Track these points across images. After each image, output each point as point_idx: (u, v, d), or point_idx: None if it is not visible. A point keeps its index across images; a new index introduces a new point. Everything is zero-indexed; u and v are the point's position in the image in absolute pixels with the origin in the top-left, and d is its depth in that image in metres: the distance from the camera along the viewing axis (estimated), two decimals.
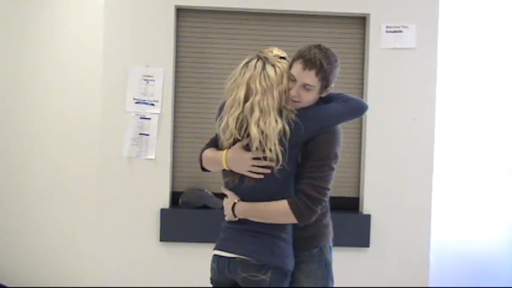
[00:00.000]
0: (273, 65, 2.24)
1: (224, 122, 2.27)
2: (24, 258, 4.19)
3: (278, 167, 2.20)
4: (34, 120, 4.15)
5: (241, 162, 2.27)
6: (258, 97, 2.21)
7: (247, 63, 2.28)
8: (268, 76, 2.22)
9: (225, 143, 2.30)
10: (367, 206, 3.92)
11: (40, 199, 4.15)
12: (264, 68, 2.24)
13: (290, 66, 2.29)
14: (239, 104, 2.23)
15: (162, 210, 3.84)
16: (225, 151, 2.32)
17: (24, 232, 4.18)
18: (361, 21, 4.00)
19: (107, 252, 3.87)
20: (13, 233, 4.20)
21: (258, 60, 2.27)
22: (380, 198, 3.92)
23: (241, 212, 2.31)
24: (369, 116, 3.92)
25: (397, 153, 3.91)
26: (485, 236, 4.28)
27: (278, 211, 2.24)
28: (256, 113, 2.20)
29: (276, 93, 2.21)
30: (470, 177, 4.26)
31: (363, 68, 4.01)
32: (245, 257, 2.26)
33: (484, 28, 4.21)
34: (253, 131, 2.19)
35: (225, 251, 2.32)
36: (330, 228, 2.47)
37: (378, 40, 3.90)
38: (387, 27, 3.89)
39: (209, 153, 2.42)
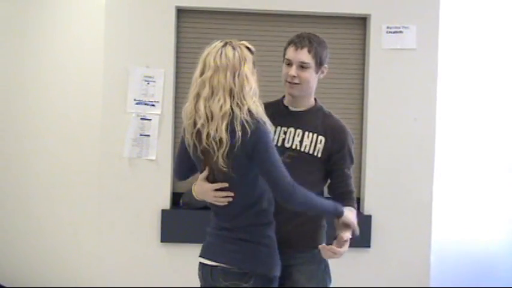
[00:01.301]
0: (233, 48, 2.17)
1: (186, 104, 2.21)
2: (25, 259, 4.18)
3: (221, 156, 2.08)
4: (35, 121, 4.15)
5: (206, 193, 2.25)
6: (209, 73, 2.13)
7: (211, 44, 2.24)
8: (225, 55, 2.14)
9: (185, 123, 2.19)
10: (368, 206, 3.92)
11: (41, 199, 4.15)
12: (223, 46, 2.18)
13: (284, 55, 2.39)
14: (195, 80, 2.18)
15: (163, 211, 3.84)
16: (193, 184, 2.32)
17: (25, 232, 4.18)
18: (361, 21, 4.00)
19: (107, 252, 3.87)
20: (14, 233, 4.20)
21: (221, 42, 2.22)
22: (381, 198, 3.92)
23: None
24: (370, 116, 3.93)
25: (398, 153, 3.91)
26: (486, 236, 4.28)
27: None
28: (206, 89, 2.11)
29: (229, 74, 2.10)
30: (471, 177, 4.26)
31: (363, 69, 4.01)
32: (226, 266, 2.20)
33: (484, 28, 4.21)
34: (200, 108, 2.11)
35: (208, 259, 2.26)
36: (325, 230, 2.49)
37: (379, 41, 3.90)
38: (388, 27, 3.90)
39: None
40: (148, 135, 3.85)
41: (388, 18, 3.90)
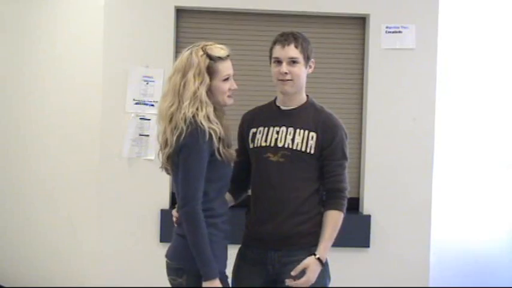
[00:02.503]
0: (191, 52, 2.22)
1: None
2: (24, 259, 4.18)
3: (165, 156, 2.21)
4: (34, 121, 4.15)
5: None
6: (170, 73, 2.25)
7: None
8: (181, 58, 2.23)
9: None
10: (367, 206, 3.93)
11: (40, 199, 4.15)
12: (187, 49, 2.25)
13: (270, 56, 2.44)
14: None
15: (162, 211, 3.84)
16: None
17: (24, 232, 4.18)
18: (361, 21, 4.00)
19: (106, 252, 3.87)
20: (13, 233, 4.20)
21: (194, 44, 2.29)
22: (380, 198, 3.92)
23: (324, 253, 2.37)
24: (369, 116, 3.93)
25: (397, 153, 3.91)
26: (486, 236, 4.28)
27: (339, 223, 2.40)
28: (165, 88, 2.26)
29: (179, 77, 2.20)
30: (470, 177, 4.26)
31: (362, 69, 4.01)
32: (168, 260, 2.33)
33: (483, 28, 4.21)
34: (159, 106, 2.27)
35: (166, 255, 2.37)
36: None
37: (378, 40, 3.90)
38: (387, 27, 3.90)
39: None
40: (148, 135, 3.85)
41: (387, 18, 3.90)
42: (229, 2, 3.90)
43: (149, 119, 3.84)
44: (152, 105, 3.85)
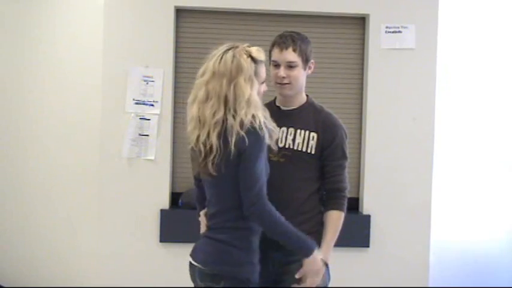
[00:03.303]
0: (234, 55, 2.12)
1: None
2: (24, 259, 4.18)
3: (210, 162, 2.09)
4: (34, 121, 4.15)
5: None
6: (206, 77, 2.12)
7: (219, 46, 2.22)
8: (224, 61, 2.11)
9: (189, 125, 2.19)
10: (367, 206, 3.93)
11: (40, 199, 4.15)
12: (225, 52, 2.14)
13: (269, 57, 2.40)
14: (196, 81, 2.18)
15: (162, 211, 3.84)
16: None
17: (24, 233, 4.18)
18: (360, 21, 4.00)
19: (106, 252, 3.87)
20: (13, 233, 4.20)
21: (227, 46, 2.18)
22: (380, 198, 3.92)
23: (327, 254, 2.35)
24: (369, 116, 3.93)
25: (396, 153, 3.91)
26: (486, 236, 4.28)
27: (340, 222, 2.40)
28: (202, 93, 2.12)
29: (225, 82, 2.08)
30: (470, 176, 4.26)
31: (362, 68, 4.01)
32: (201, 266, 2.22)
33: (483, 28, 4.21)
34: (194, 110, 2.13)
35: (192, 258, 2.28)
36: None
37: (378, 40, 3.90)
38: (387, 27, 3.90)
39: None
40: (147, 135, 3.85)
41: (387, 18, 3.90)
42: (229, 2, 3.90)
43: (149, 119, 3.84)
44: (152, 105, 3.85)
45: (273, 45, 2.41)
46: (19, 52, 4.16)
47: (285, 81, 2.36)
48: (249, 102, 2.09)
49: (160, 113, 3.86)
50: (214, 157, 2.08)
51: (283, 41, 2.37)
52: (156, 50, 3.86)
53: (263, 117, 2.12)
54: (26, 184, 4.17)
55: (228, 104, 2.08)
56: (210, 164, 2.09)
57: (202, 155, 2.11)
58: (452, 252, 4.22)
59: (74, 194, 4.10)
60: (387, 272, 3.93)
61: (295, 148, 2.38)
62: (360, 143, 4.01)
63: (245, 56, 2.13)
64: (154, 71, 3.85)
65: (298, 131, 2.39)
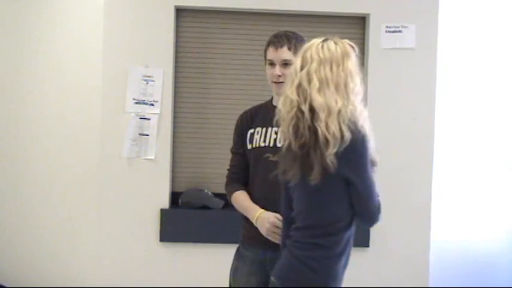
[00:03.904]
0: (335, 42, 2.05)
1: (284, 95, 2.01)
2: (24, 259, 4.18)
3: (330, 153, 1.86)
4: (34, 121, 4.15)
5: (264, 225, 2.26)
6: (314, 65, 1.97)
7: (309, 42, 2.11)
8: (328, 48, 2.00)
9: (286, 116, 1.96)
10: None
11: (40, 199, 4.15)
12: (324, 41, 2.05)
13: (264, 57, 2.44)
14: (296, 74, 1.99)
15: (162, 211, 3.84)
16: (258, 212, 2.31)
17: (24, 233, 4.18)
18: (360, 21, 4.00)
19: (106, 252, 3.87)
20: (13, 233, 4.20)
21: (319, 38, 2.10)
22: (380, 197, 3.90)
23: None
24: (369, 115, 3.92)
25: (396, 153, 3.90)
26: (486, 236, 4.27)
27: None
28: (315, 82, 1.93)
29: (335, 68, 1.95)
30: (470, 176, 4.26)
31: (362, 68, 4.00)
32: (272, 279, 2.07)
33: (483, 28, 4.21)
34: (318, 100, 1.90)
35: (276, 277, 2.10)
36: None
37: (378, 40, 3.90)
38: (387, 27, 3.89)
39: (242, 201, 2.42)
40: (148, 135, 3.85)
41: (387, 17, 3.90)
42: (229, 1, 3.89)
43: (149, 119, 3.84)
44: (152, 104, 3.85)
45: (268, 44, 2.43)
46: (19, 52, 4.16)
47: (281, 79, 2.36)
48: (358, 91, 2.02)
49: (161, 113, 3.86)
50: (334, 148, 1.87)
51: (277, 39, 2.39)
52: (156, 49, 3.86)
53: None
54: (26, 184, 4.17)
55: (339, 90, 1.95)
56: (330, 156, 1.86)
57: (324, 146, 1.87)
58: (452, 252, 4.22)
59: (74, 194, 4.10)
60: (387, 271, 3.93)
61: None
62: None
63: (347, 44, 2.09)
64: (154, 70, 3.85)
65: None
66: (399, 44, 3.90)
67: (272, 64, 2.39)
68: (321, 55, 1.99)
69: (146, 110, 3.85)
